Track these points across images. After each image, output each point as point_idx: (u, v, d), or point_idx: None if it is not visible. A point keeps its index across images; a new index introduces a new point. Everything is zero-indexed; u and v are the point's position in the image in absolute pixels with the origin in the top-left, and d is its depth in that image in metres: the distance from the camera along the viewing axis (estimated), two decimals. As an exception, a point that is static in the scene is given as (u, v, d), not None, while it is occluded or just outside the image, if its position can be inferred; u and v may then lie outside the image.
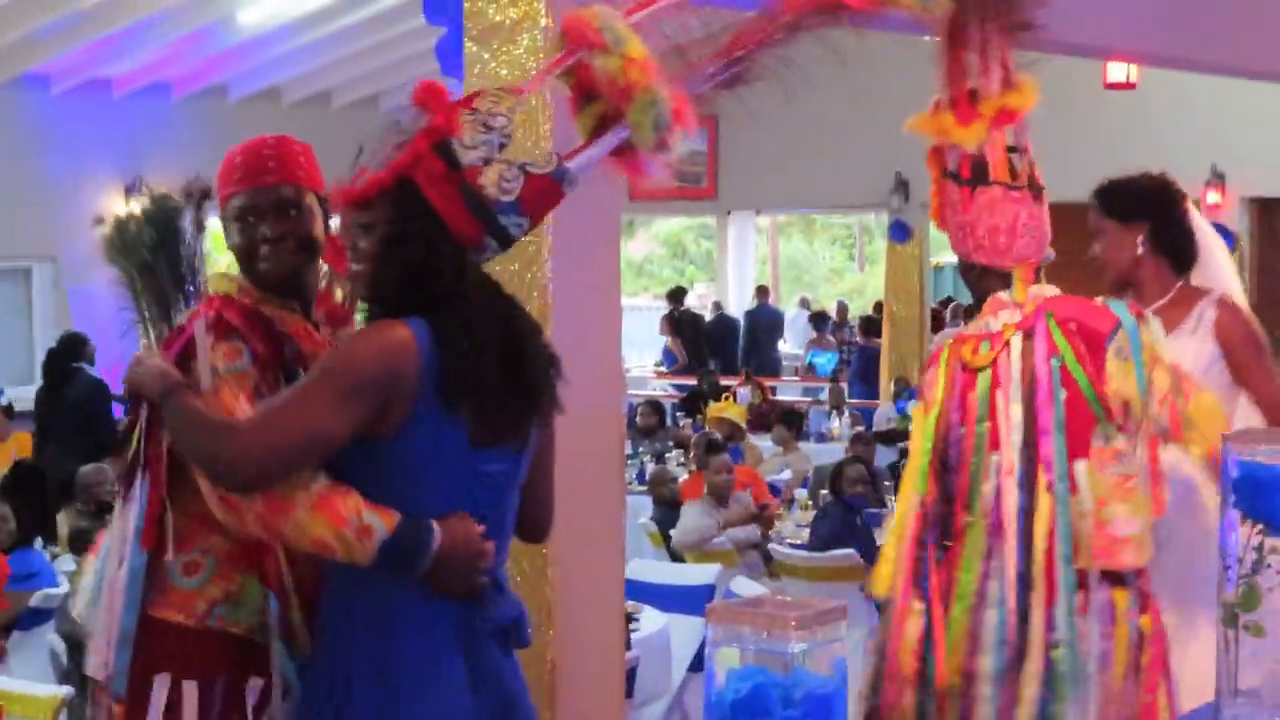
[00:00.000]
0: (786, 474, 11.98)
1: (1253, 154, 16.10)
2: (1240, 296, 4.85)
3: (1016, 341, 3.75)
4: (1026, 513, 3.62)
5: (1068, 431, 3.66)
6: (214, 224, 3.75)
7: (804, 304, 24.47)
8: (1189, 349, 4.51)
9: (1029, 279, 3.84)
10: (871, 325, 19.22)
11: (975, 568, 3.65)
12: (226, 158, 3.58)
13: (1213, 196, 16.32)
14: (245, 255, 3.48)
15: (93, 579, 3.52)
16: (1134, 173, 4.81)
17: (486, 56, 4.60)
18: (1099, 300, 3.85)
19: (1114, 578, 3.61)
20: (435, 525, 3.11)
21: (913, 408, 4.02)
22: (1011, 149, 3.86)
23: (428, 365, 3.08)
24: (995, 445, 3.72)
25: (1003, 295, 3.85)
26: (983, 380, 3.76)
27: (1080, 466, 3.64)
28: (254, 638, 3.36)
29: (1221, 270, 4.90)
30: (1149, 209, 4.74)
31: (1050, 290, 3.87)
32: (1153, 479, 3.71)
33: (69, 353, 12.44)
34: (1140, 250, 4.70)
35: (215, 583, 3.36)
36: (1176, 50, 7.85)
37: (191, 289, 3.73)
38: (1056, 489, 3.61)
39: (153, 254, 3.74)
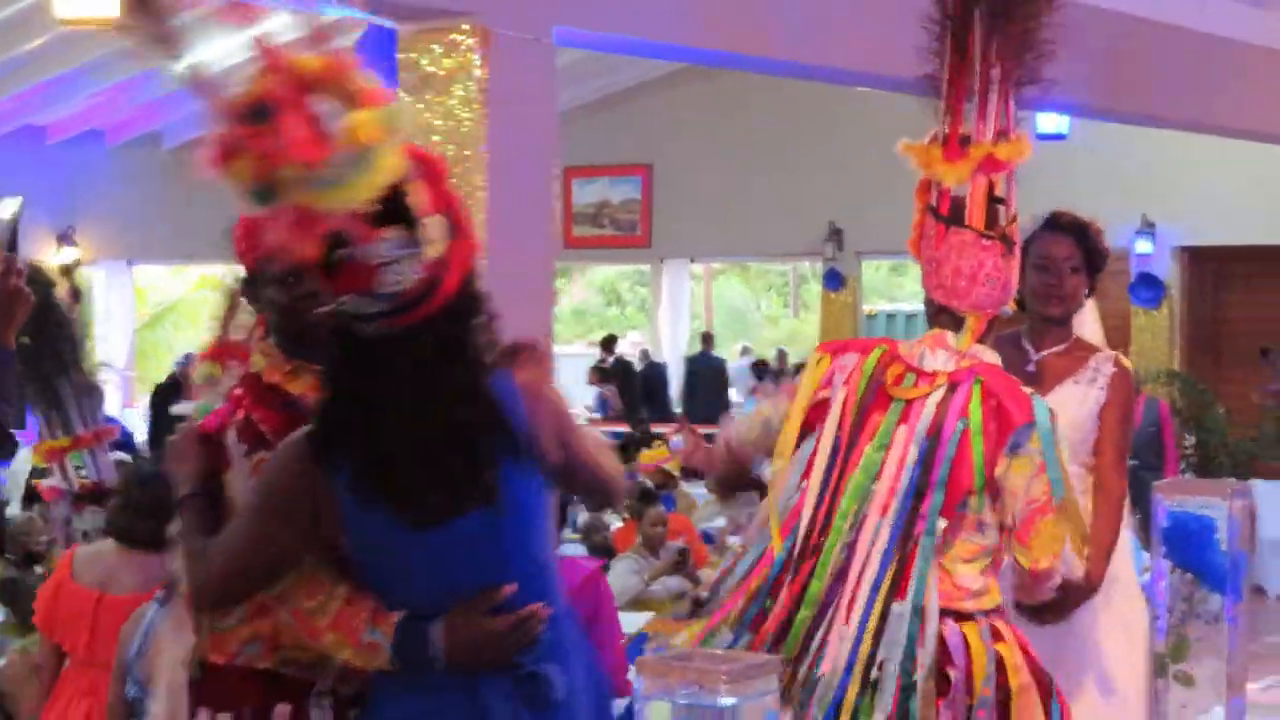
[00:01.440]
0: (721, 521, 11.97)
1: (1182, 204, 16.26)
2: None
3: (940, 391, 3.79)
4: (890, 550, 3.69)
5: (946, 491, 3.72)
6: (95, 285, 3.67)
7: (745, 352, 24.51)
8: (1087, 397, 4.57)
9: (979, 329, 3.88)
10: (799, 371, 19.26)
11: (824, 582, 3.71)
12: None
13: (1143, 246, 16.47)
14: (286, 316, 3.37)
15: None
16: (1090, 220, 4.85)
17: (420, 107, 4.60)
18: (1028, 391, 3.89)
19: (960, 616, 3.69)
20: (435, 626, 3.07)
21: (813, 357, 4.02)
22: (998, 200, 3.90)
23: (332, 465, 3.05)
24: (882, 473, 3.78)
25: (949, 337, 3.88)
26: (894, 410, 3.81)
27: (940, 524, 3.72)
28: (281, 670, 3.35)
29: (1095, 324, 4.98)
30: (1103, 262, 4.81)
31: (990, 355, 3.91)
32: (993, 565, 3.80)
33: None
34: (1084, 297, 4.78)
35: (247, 625, 3.35)
36: (1107, 102, 7.93)
37: (74, 367, 3.65)
38: (922, 542, 3.69)
39: (31, 337, 3.65)
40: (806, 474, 3.83)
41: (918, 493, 3.73)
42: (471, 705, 3.09)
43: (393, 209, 2.95)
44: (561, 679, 3.12)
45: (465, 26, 4.63)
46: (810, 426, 3.89)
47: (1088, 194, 13.39)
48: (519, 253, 4.55)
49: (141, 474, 5.42)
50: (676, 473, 13.01)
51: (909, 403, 3.81)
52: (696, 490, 13.04)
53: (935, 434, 3.76)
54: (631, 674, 2.76)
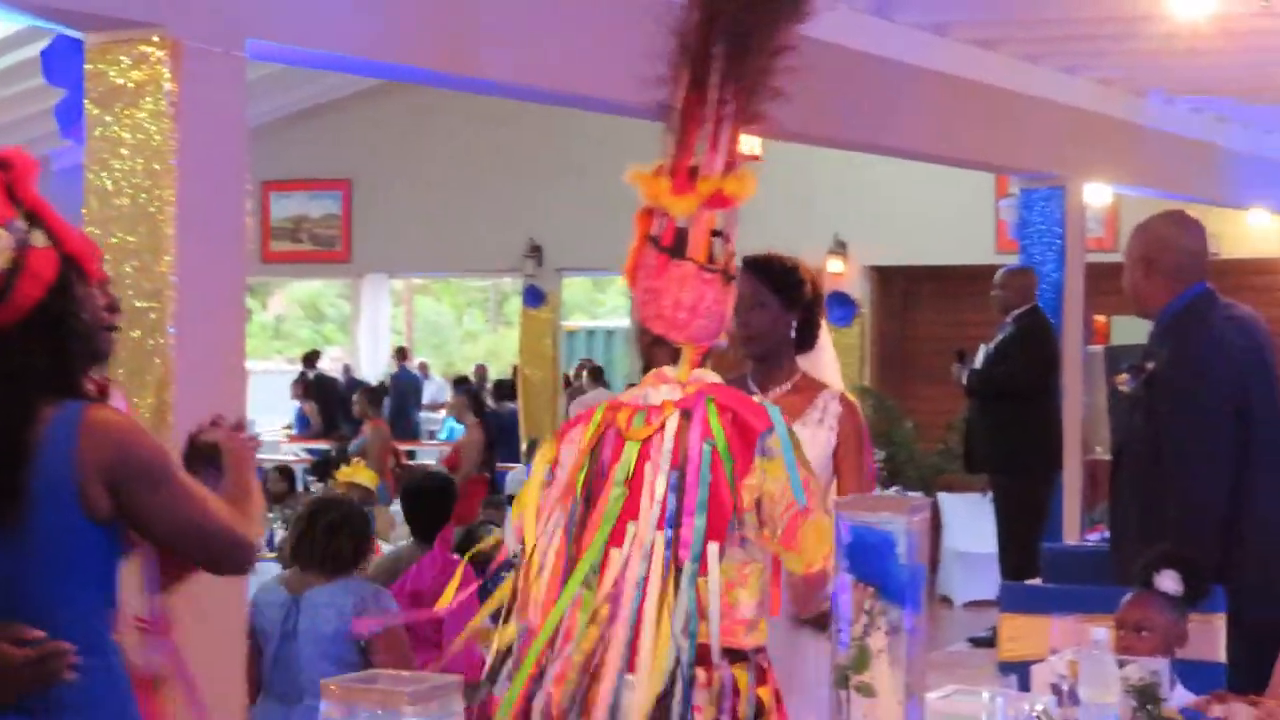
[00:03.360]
0: (418, 539, 11.91)
1: (872, 225, 16.68)
2: (839, 384, 5.02)
3: (673, 420, 3.81)
4: (654, 586, 3.70)
5: (709, 514, 3.75)
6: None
7: (423, 368, 24.42)
8: (816, 438, 4.66)
9: (695, 361, 3.91)
10: (504, 389, 19.29)
11: (587, 632, 3.70)
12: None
13: (835, 265, 16.85)
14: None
15: None
16: (776, 249, 4.93)
17: (109, 119, 4.51)
18: (756, 399, 3.95)
19: (734, 655, 3.70)
20: None
21: (541, 448, 4.03)
22: (716, 233, 3.93)
23: None
24: (632, 514, 3.77)
25: (667, 370, 3.91)
26: (630, 449, 3.81)
27: (713, 549, 3.73)
28: None
29: (833, 364, 5.08)
30: (806, 298, 4.88)
31: (712, 376, 3.95)
32: (773, 579, 3.83)
33: None
34: (791, 334, 4.84)
35: None
36: (801, 125, 8.10)
37: None
38: (686, 568, 3.69)
39: None
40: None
41: (676, 523, 3.73)
42: None
43: None
44: None
45: (155, 38, 4.54)
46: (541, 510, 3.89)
47: (781, 214, 13.68)
48: (210, 268, 4.49)
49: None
50: (373, 487, 12.94)
51: (645, 441, 3.82)
52: (395, 508, 12.97)
53: (681, 463, 3.77)
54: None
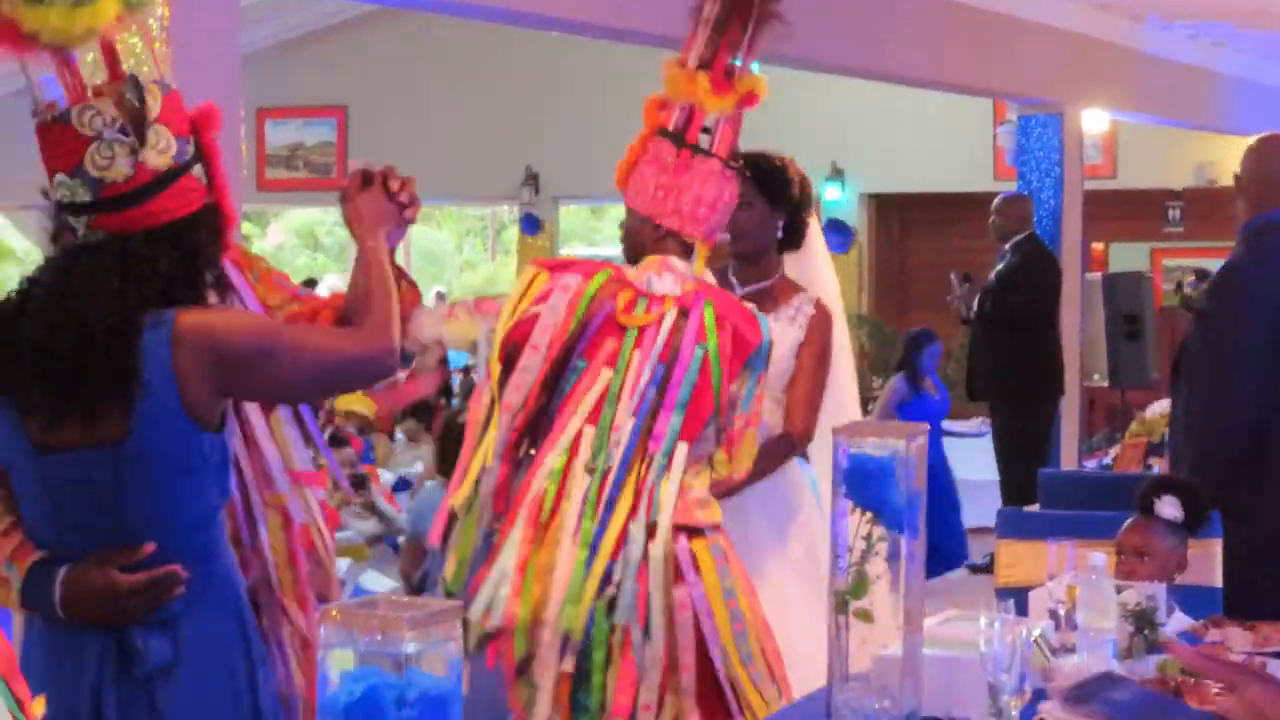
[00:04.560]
0: (418, 466, 11.94)
1: (870, 152, 16.64)
2: (837, 299, 5.02)
3: (671, 314, 3.86)
4: (622, 471, 3.76)
5: (686, 414, 3.79)
6: None
7: (440, 297, 24.39)
8: (785, 335, 4.67)
9: (706, 256, 3.98)
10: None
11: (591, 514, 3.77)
12: None
13: (832, 192, 16.82)
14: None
15: None
16: (774, 153, 4.93)
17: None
18: (750, 307, 3.98)
19: (690, 531, 3.78)
20: (60, 571, 2.99)
21: (527, 271, 4.03)
22: (706, 130, 4.00)
23: None
24: (620, 397, 3.83)
25: (674, 261, 3.94)
26: (630, 334, 3.86)
27: (682, 448, 3.80)
28: None
29: (826, 269, 5.08)
30: (794, 199, 4.88)
31: (710, 278, 4.00)
32: (733, 441, 3.89)
33: None
34: (778, 235, 4.85)
35: None
36: (793, 49, 8.06)
37: None
38: (656, 461, 3.76)
39: None
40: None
41: (651, 413, 3.79)
42: (74, 659, 3.01)
43: (123, 95, 2.98)
44: (162, 650, 3.01)
45: (148, -37, 4.50)
46: (516, 340, 3.90)
47: (778, 141, 13.62)
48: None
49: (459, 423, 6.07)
50: (373, 416, 12.93)
51: (642, 329, 3.86)
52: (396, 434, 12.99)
53: (671, 358, 3.82)
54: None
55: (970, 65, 10.12)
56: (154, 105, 3.01)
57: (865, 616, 3.05)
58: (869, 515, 3.05)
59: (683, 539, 3.79)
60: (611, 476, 3.79)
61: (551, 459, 3.83)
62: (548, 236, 18.44)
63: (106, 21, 2.97)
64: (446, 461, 6.69)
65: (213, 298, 3.40)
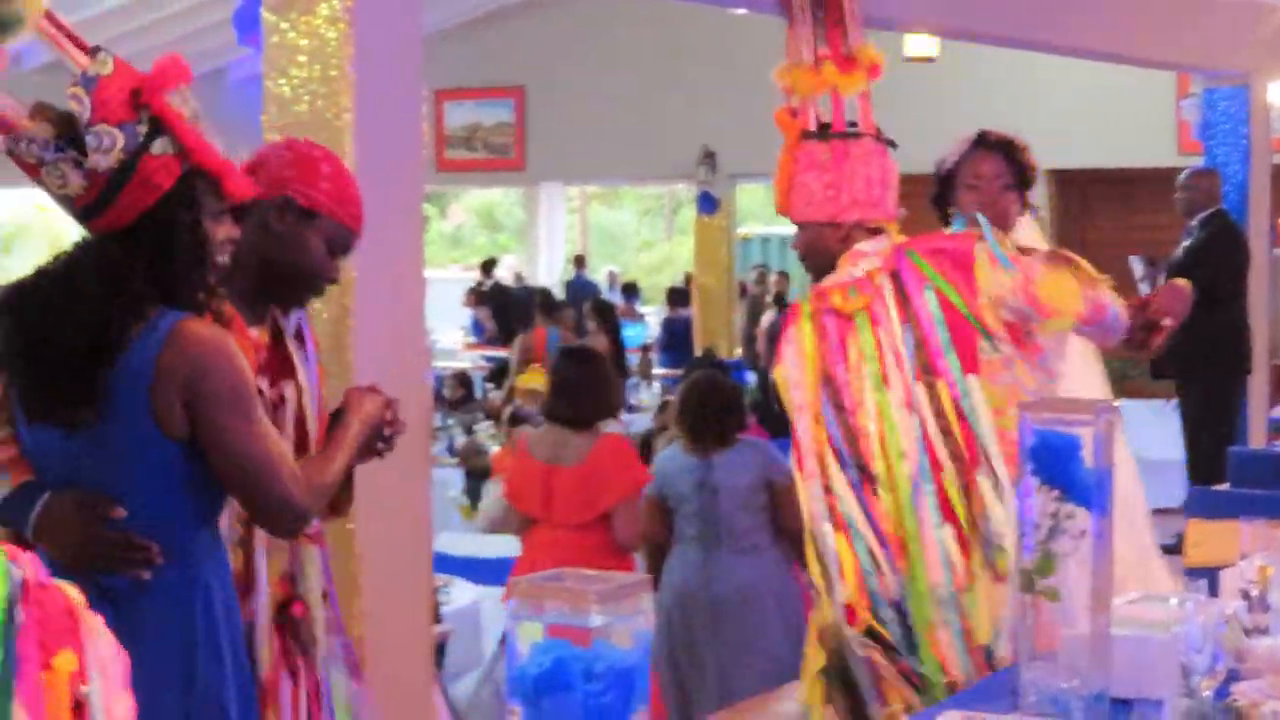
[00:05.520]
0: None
1: (1053, 127, 16.37)
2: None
3: (885, 282, 3.83)
4: (939, 431, 3.74)
5: (956, 351, 3.76)
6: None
7: (612, 276, 24.49)
8: None
9: (897, 233, 3.96)
10: (678, 296, 19.31)
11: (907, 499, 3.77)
12: (343, 180, 3.48)
13: (1013, 169, 16.59)
14: (305, 273, 3.46)
15: None
16: (948, 153, 4.89)
17: (285, 26, 4.53)
18: (948, 231, 3.96)
19: None
20: (43, 497, 3.06)
21: (776, 373, 4.05)
22: None
23: None
24: (887, 383, 3.81)
25: (861, 245, 3.92)
26: (862, 323, 3.84)
27: (972, 380, 3.75)
28: None
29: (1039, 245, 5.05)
30: (1032, 179, 4.87)
31: (898, 237, 3.97)
32: (1031, 365, 3.84)
33: None
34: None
35: None
36: (976, 24, 7.96)
37: None
38: (961, 402, 3.73)
39: None
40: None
41: (926, 371, 3.77)
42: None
43: (50, 110, 2.96)
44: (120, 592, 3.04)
45: (331, -55, 4.55)
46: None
47: (958, 116, 13.47)
48: (388, 175, 4.50)
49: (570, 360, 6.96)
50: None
51: (869, 310, 3.85)
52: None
53: (910, 316, 3.80)
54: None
55: (1154, 38, 9.93)
56: (83, 108, 2.95)
57: (1052, 595, 3.01)
58: (1056, 492, 3.00)
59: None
60: (933, 442, 3.77)
61: (875, 467, 3.84)
62: (725, 215, 18.41)
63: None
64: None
65: (292, 346, 3.43)
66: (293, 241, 3.41)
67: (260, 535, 3.35)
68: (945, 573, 3.75)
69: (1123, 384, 14.08)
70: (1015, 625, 3.03)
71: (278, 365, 3.45)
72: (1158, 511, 11.38)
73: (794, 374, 3.92)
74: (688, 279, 19.69)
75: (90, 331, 2.98)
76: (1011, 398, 3.74)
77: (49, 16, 2.87)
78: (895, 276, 3.85)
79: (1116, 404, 3.30)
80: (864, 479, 3.84)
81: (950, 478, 3.77)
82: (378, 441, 3.45)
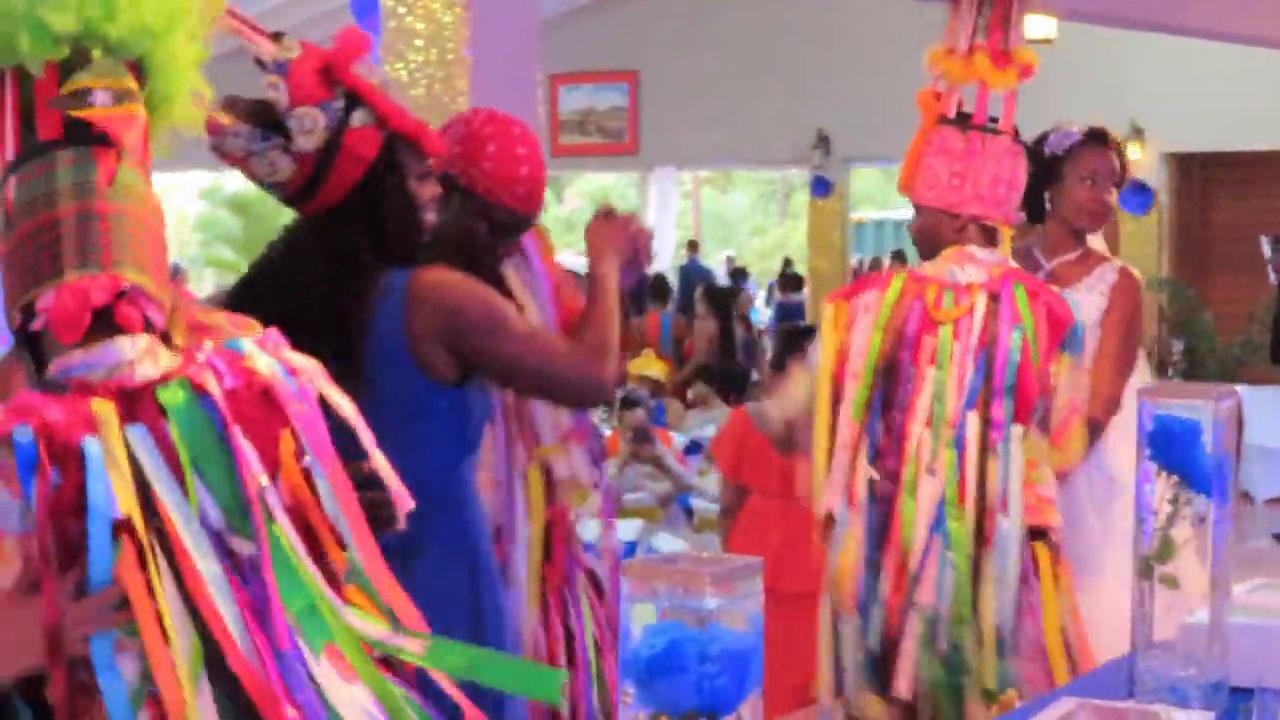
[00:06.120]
0: (711, 429, 11.98)
1: (1171, 110, 16.20)
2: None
3: (981, 301, 3.79)
4: (973, 468, 3.72)
5: (1016, 398, 3.73)
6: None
7: (729, 261, 24.48)
8: (1088, 302, 4.57)
9: (1008, 239, 3.92)
10: (790, 281, 19.27)
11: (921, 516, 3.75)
12: (525, 163, 3.52)
13: (1133, 152, 16.39)
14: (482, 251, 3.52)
15: None
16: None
17: (402, 11, 4.57)
18: (1056, 290, 3.92)
19: (1034, 533, 3.70)
20: None
21: (827, 309, 4.01)
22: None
23: None
24: (946, 393, 3.79)
25: (973, 250, 3.88)
26: (945, 331, 3.81)
27: (1017, 431, 3.72)
28: None
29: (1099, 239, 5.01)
30: (1127, 178, 4.82)
31: (1011, 260, 3.93)
32: (1061, 431, 3.82)
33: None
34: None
35: None
36: (1095, 7, 7.88)
37: None
38: (1000, 449, 3.69)
39: None
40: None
41: (984, 402, 3.74)
42: None
43: (254, 105, 3.01)
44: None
45: (447, -70, 4.58)
46: (839, 379, 3.90)
47: (1076, 99, 13.35)
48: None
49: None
50: (663, 379, 13.03)
51: (956, 321, 3.81)
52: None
53: (990, 344, 3.76)
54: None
55: (1277, 17, 9.79)
56: (280, 94, 3.00)
57: (1171, 582, 2.97)
58: (1175, 478, 2.97)
59: (1028, 543, 3.75)
60: (967, 474, 3.75)
61: (906, 471, 3.82)
62: (839, 199, 18.34)
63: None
64: None
65: (510, 267, 3.47)
66: (456, 226, 3.47)
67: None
68: (940, 598, 3.74)
69: (1240, 369, 13.91)
70: (1133, 613, 3.00)
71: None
72: (1272, 501, 11.26)
73: (858, 342, 3.87)
74: (786, 263, 19.65)
75: (331, 309, 3.05)
76: (1040, 451, 3.76)
77: (231, 13, 2.89)
78: (994, 299, 3.81)
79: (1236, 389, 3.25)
80: (889, 483, 3.83)
81: (968, 512, 3.75)
82: (640, 256, 3.55)
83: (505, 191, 3.49)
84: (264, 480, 2.03)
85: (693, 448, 10.74)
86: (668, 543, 7.56)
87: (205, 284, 20.80)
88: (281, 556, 2.02)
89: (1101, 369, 4.55)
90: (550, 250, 3.72)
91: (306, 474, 2.10)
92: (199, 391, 2.03)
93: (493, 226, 3.51)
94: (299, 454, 2.08)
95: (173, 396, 2.02)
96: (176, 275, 18.58)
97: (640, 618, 1.80)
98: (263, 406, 2.07)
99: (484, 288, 3.20)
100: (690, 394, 13.06)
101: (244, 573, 2.01)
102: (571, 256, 27.18)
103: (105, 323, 2.07)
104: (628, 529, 8.00)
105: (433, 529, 3.09)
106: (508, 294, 3.52)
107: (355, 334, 3.05)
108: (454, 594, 3.16)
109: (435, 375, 3.09)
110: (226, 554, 1.99)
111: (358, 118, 3.04)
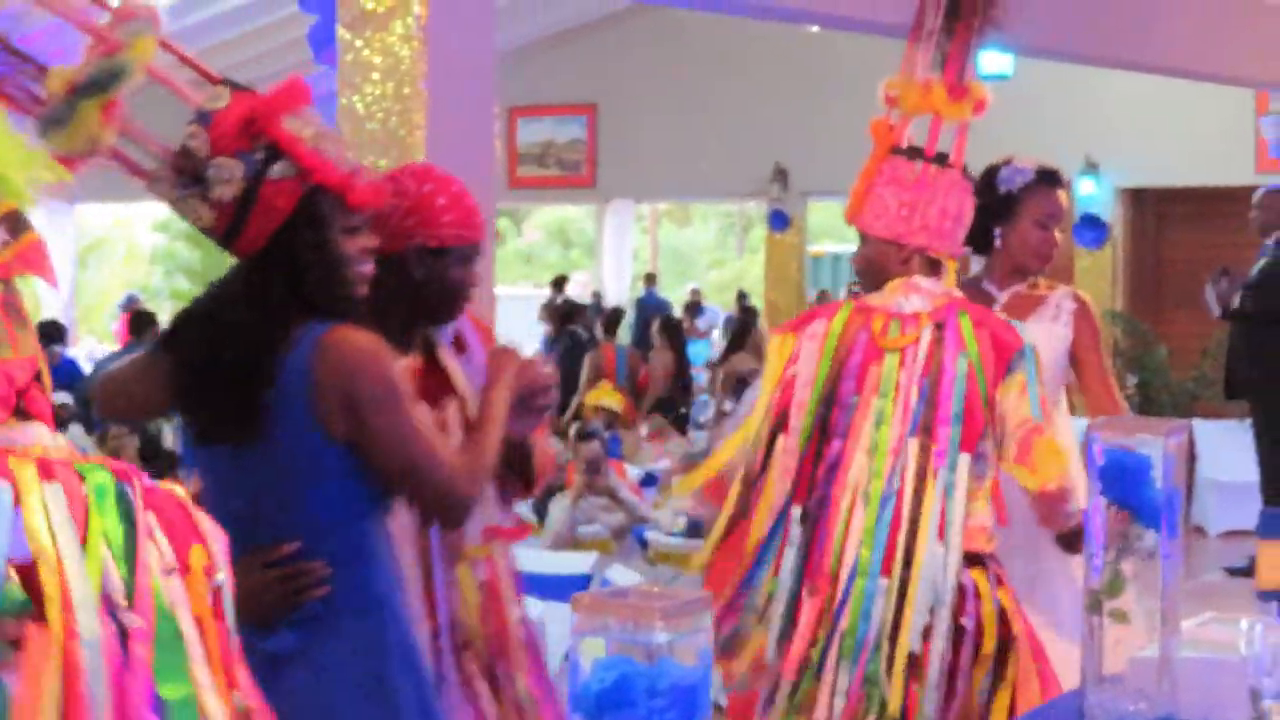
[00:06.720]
0: (665, 462, 11.99)
1: (1125, 144, 16.32)
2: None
3: (928, 331, 3.82)
4: (913, 494, 3.74)
5: (962, 425, 3.75)
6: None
7: (693, 293, 24.46)
8: (1053, 334, 4.59)
9: (954, 269, 3.95)
10: (746, 314, 19.31)
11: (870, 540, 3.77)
12: (459, 202, 3.51)
13: (1086, 186, 16.52)
14: (454, 299, 3.52)
15: None
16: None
17: (359, 44, 4.57)
18: (1003, 316, 3.95)
19: (970, 559, 3.74)
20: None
21: (774, 340, 4.03)
22: None
23: None
24: (889, 423, 3.81)
25: (920, 280, 3.90)
26: (891, 358, 3.83)
27: (964, 459, 3.75)
28: None
29: None
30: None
31: (957, 292, 3.96)
32: (993, 491, 3.83)
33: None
34: None
35: None
36: (1051, 41, 7.93)
37: None
38: (942, 476, 3.72)
39: None
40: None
41: (925, 429, 3.77)
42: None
43: (177, 152, 3.01)
44: (285, 639, 3.09)
45: (405, -37, 4.59)
46: (785, 406, 3.92)
47: (1031, 134, 13.44)
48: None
49: None
50: (620, 410, 13.04)
51: (903, 350, 3.84)
52: (644, 431, 13.06)
53: (934, 373, 3.80)
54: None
55: (1233, 54, 9.86)
56: (201, 143, 3.01)
57: (1120, 617, 2.99)
58: (1125, 513, 2.99)
59: (964, 570, 3.78)
60: (904, 499, 3.78)
61: (844, 499, 3.84)
62: (796, 233, 18.41)
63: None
64: None
65: (447, 356, 3.48)
66: (435, 279, 3.48)
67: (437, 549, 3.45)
68: (864, 624, 3.77)
69: (1195, 404, 13.98)
70: (1083, 647, 3.02)
71: (435, 386, 3.50)
72: (1230, 534, 11.32)
73: (805, 371, 3.90)
74: (740, 296, 19.70)
75: (244, 354, 3.07)
76: (974, 483, 3.78)
77: (168, 48, 2.89)
78: (939, 328, 3.84)
79: (1187, 423, 3.27)
80: (825, 507, 3.86)
81: (901, 538, 3.79)
82: (535, 401, 3.50)
83: (470, 233, 3.49)
84: (172, 561, 2.01)
85: (648, 480, 10.75)
86: (622, 575, 7.54)
87: (166, 316, 20.71)
88: (168, 639, 1.99)
89: (1101, 391, 4.61)
90: (492, 340, 3.71)
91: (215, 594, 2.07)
92: (120, 476, 2.02)
93: (464, 265, 3.50)
94: (210, 570, 2.05)
95: (93, 469, 2.01)
96: (132, 304, 18.50)
97: (590, 651, 1.80)
98: (180, 512, 2.06)
99: (393, 363, 3.14)
100: (645, 427, 13.08)
101: (129, 646, 1.98)
102: (528, 288, 27.23)
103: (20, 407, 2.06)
104: (582, 561, 7.99)
105: (336, 583, 3.10)
106: (451, 389, 3.51)
107: (262, 383, 3.05)
108: (364, 647, 3.13)
109: (334, 432, 3.07)
110: (117, 623, 1.96)
111: (277, 170, 3.02)
